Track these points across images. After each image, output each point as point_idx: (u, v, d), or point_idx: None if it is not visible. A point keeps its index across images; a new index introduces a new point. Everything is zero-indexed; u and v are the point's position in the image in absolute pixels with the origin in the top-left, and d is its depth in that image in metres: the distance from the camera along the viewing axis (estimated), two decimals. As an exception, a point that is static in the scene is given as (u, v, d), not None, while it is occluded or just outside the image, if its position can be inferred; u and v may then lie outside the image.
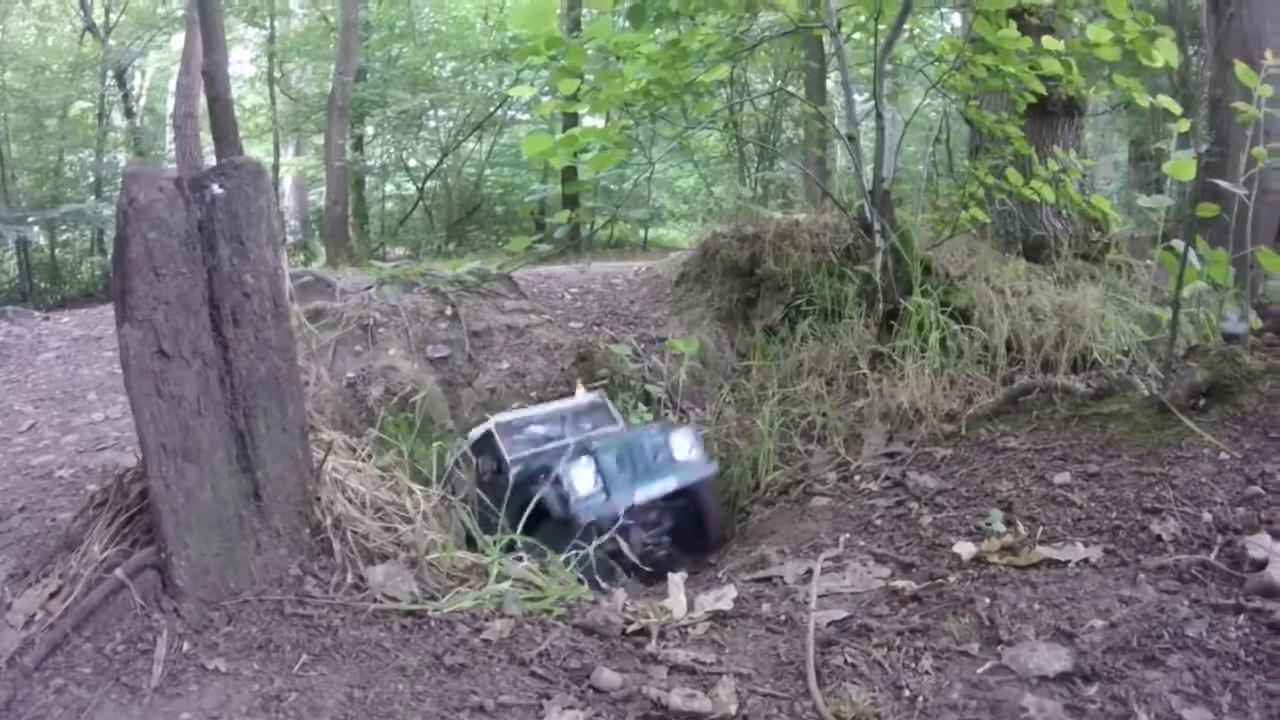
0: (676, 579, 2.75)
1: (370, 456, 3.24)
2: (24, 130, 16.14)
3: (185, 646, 2.25)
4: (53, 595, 2.47)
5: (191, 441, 2.46)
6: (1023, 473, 3.55)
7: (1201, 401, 3.66)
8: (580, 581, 3.00)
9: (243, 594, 2.44)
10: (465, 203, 18.70)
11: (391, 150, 19.95)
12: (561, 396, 5.37)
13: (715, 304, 6.23)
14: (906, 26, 5.47)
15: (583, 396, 5.03)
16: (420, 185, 19.18)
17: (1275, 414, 3.45)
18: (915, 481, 3.71)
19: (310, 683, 2.13)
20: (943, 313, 4.82)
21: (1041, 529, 3.02)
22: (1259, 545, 2.66)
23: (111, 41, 16.84)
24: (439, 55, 19.64)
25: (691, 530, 4.34)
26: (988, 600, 2.53)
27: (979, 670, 2.18)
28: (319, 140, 19.20)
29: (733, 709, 2.00)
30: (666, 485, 4.09)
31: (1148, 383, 3.96)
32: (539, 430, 4.60)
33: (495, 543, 2.87)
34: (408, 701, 2.07)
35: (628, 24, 5.05)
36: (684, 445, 4.29)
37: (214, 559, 2.47)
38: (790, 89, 9.67)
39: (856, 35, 6.08)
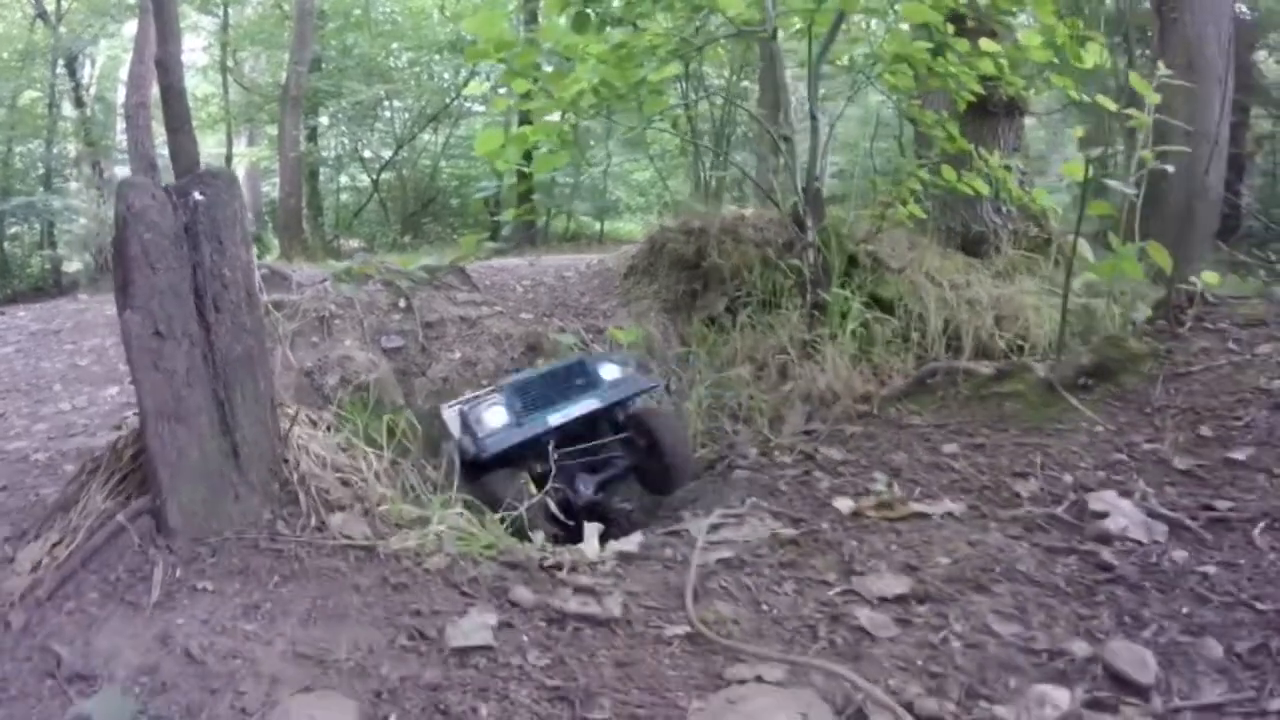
0: (592, 527, 3.36)
1: (330, 429, 3.85)
2: (-29, 121, 16.47)
3: (178, 573, 2.83)
4: (54, 545, 3.02)
5: (182, 408, 3.06)
6: (919, 445, 4.17)
7: (1088, 381, 4.28)
8: (511, 533, 3.61)
9: (224, 534, 3.04)
10: (420, 195, 19.28)
11: (346, 141, 20.47)
12: None
13: (662, 296, 6.83)
14: (845, 29, 6.06)
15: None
16: (375, 177, 19.76)
17: (1152, 393, 4.08)
18: (824, 455, 4.32)
19: (281, 596, 2.73)
20: (868, 303, 5.44)
21: (919, 489, 3.63)
22: (1101, 499, 3.26)
23: (62, 29, 17.18)
24: (394, 46, 20.18)
25: (652, 465, 4.87)
26: (854, 544, 3.14)
27: (830, 593, 2.79)
28: (272, 130, 19.72)
29: (617, 613, 2.64)
30: (586, 405, 4.61)
31: (1048, 365, 4.57)
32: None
33: (437, 499, 3.49)
34: (360, 608, 2.68)
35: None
36: (612, 369, 4.84)
37: (200, 505, 3.07)
38: (746, 83, 10.27)
39: (797, 44, 6.64)
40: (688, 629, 2.54)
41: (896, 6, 6.98)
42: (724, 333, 6.22)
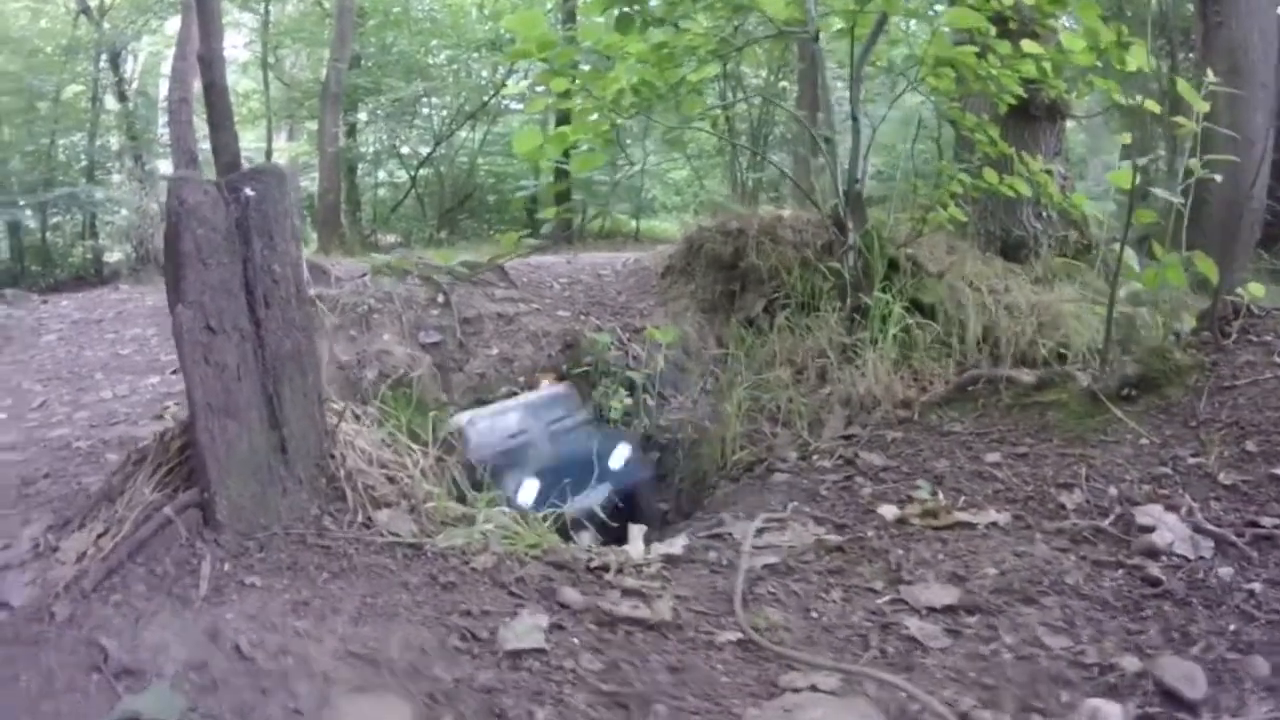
0: (636, 529, 3.35)
1: (375, 424, 3.85)
2: (16, 114, 16.56)
3: (226, 567, 2.83)
4: (99, 536, 3.02)
5: (232, 402, 3.07)
6: (960, 452, 4.13)
7: (1131, 392, 4.22)
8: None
9: (272, 528, 3.04)
10: (458, 191, 19.26)
11: (384, 137, 20.51)
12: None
13: (699, 296, 6.79)
14: (887, 29, 6.01)
15: (547, 389, 5.64)
16: (413, 173, 19.76)
17: (1196, 406, 4.01)
18: (865, 460, 4.29)
19: (331, 593, 2.72)
20: (909, 308, 5.39)
21: (963, 498, 3.60)
22: (1148, 514, 3.22)
23: (106, 24, 17.34)
24: (433, 43, 20.20)
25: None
26: (900, 552, 3.11)
27: (879, 601, 2.77)
28: (312, 126, 19.75)
29: (668, 617, 2.62)
30: (599, 494, 4.77)
31: (1091, 374, 4.52)
32: (510, 421, 5.31)
33: (483, 497, 3.51)
34: (409, 606, 2.66)
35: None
36: (622, 451, 5.04)
37: (249, 499, 3.07)
38: (785, 83, 10.24)
39: (838, 44, 6.58)
40: (739, 635, 2.52)
41: (938, 7, 6.93)
42: (761, 334, 6.18)
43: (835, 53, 7.15)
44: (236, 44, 21.03)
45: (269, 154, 20.74)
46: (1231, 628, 2.49)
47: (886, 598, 2.79)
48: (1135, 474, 3.62)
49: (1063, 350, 5.66)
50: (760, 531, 3.43)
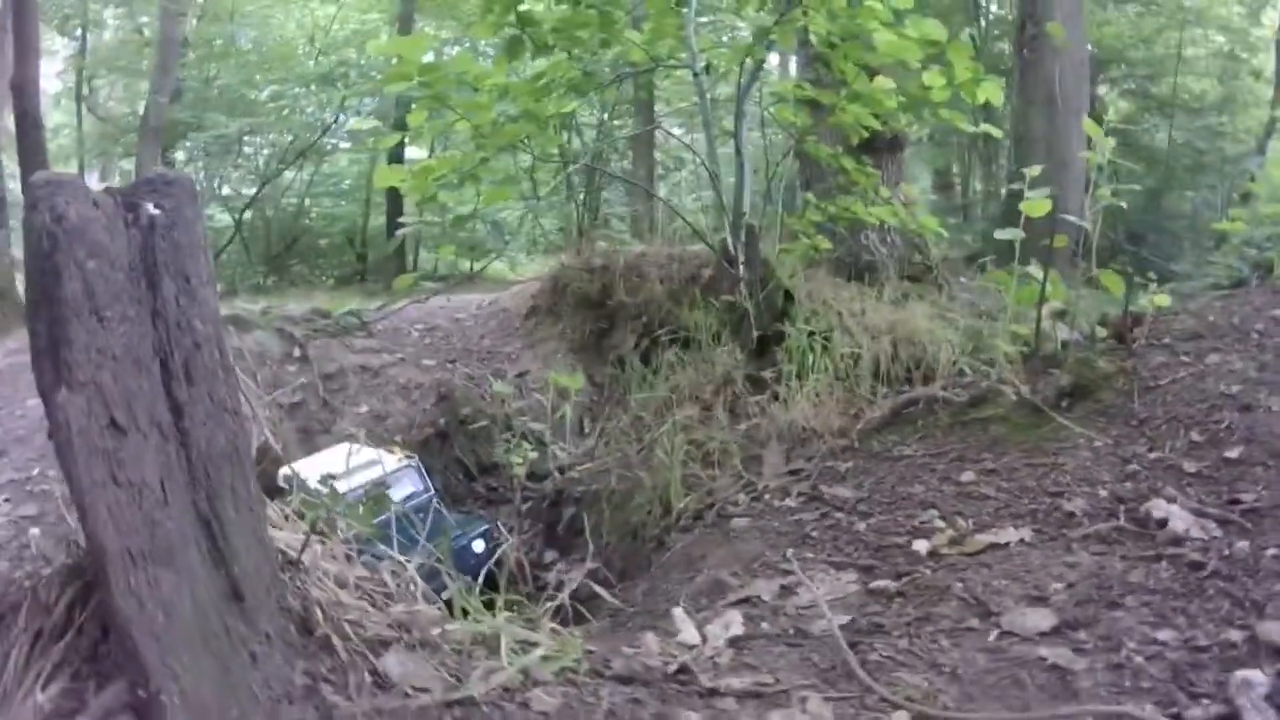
0: (680, 613, 2.92)
1: (291, 520, 2.97)
2: None
3: None
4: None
5: (161, 539, 2.03)
6: (928, 475, 4.04)
7: (1067, 401, 4.37)
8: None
9: None
10: (284, 235, 17.86)
11: (206, 178, 18.78)
12: (426, 440, 5.45)
13: (568, 336, 6.50)
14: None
15: (399, 461, 5.00)
16: (238, 216, 18.22)
17: (1131, 407, 4.21)
18: (830, 494, 4.12)
19: None
20: (813, 336, 5.35)
21: (971, 521, 3.50)
22: (1158, 507, 3.31)
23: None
24: (259, 77, 18.86)
25: None
26: (959, 584, 2.95)
27: (989, 639, 2.59)
28: (127, 165, 17.76)
29: (829, 716, 2.20)
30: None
31: (1012, 388, 4.63)
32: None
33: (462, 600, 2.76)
34: None
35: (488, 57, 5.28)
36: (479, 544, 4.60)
37: (210, 686, 2.04)
38: (617, 121, 10.22)
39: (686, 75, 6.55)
40: (907, 715, 2.19)
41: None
42: (642, 374, 5.96)
43: (662, 90, 7.12)
44: (48, 73, 18.70)
45: (80, 195, 18.55)
46: (1278, 588, 2.67)
47: (993, 634, 2.62)
48: (1110, 474, 3.72)
49: (915, 367, 5.80)
50: (789, 589, 3.17)
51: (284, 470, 4.47)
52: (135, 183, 2.23)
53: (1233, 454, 3.62)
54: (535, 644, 2.55)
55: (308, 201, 18.40)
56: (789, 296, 5.57)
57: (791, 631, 2.78)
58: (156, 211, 2.12)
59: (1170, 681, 2.32)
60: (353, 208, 17.76)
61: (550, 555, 4.55)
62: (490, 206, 5.14)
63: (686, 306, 5.86)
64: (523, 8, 5.01)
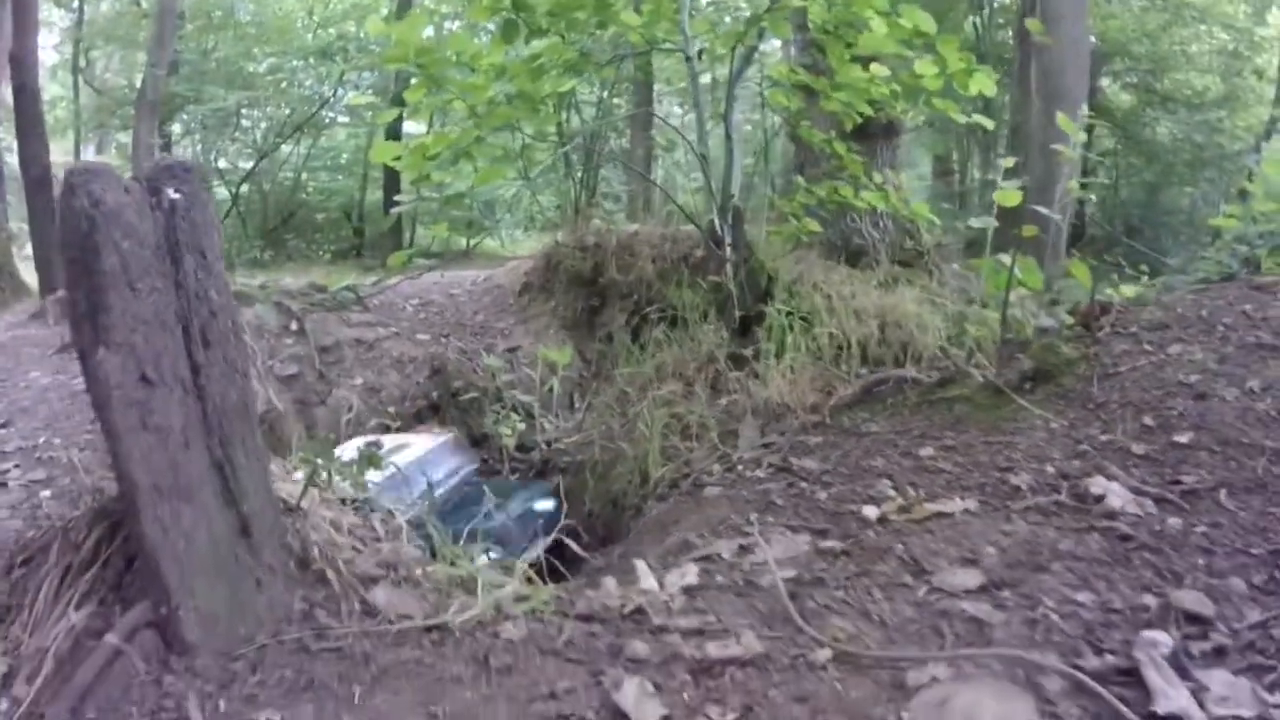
0: (642, 565, 3.22)
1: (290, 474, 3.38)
2: None
3: (221, 704, 2.23)
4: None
5: (183, 478, 2.41)
6: (891, 451, 4.30)
7: (1029, 384, 4.61)
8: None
9: (256, 638, 2.43)
10: (281, 209, 18.01)
11: (203, 151, 18.91)
12: (419, 412, 5.69)
13: (560, 313, 6.73)
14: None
15: (434, 439, 5.18)
16: (234, 190, 18.34)
17: (1090, 391, 4.45)
18: (799, 465, 4.37)
19: (379, 710, 2.23)
20: (791, 316, 5.59)
21: (923, 491, 3.76)
22: (1098, 484, 3.56)
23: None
24: (256, 50, 18.89)
25: None
26: (901, 546, 3.21)
27: (919, 594, 2.84)
28: (124, 138, 17.87)
29: (760, 649, 2.49)
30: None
31: (981, 371, 4.87)
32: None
33: (450, 551, 3.14)
34: (482, 704, 2.27)
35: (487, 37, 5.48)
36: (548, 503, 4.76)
37: (222, 606, 2.43)
38: (617, 100, 10.43)
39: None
40: (831, 651, 2.46)
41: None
42: (631, 350, 6.20)
43: (665, 70, 7.32)
44: (45, 45, 18.78)
45: (75, 169, 18.68)
46: (1201, 562, 2.92)
47: (923, 590, 2.87)
48: (1060, 453, 3.97)
49: (903, 350, 6.04)
50: (747, 549, 3.42)
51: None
52: (156, 169, 2.64)
53: (1182, 439, 3.85)
54: (516, 587, 2.94)
55: (305, 176, 18.42)
56: (772, 278, 5.79)
57: (742, 583, 3.04)
58: (177, 196, 2.54)
59: (1080, 637, 2.55)
60: (350, 182, 17.79)
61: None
62: (485, 185, 5.35)
63: (676, 286, 6.08)
64: (517, -10, 5.16)
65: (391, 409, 5.71)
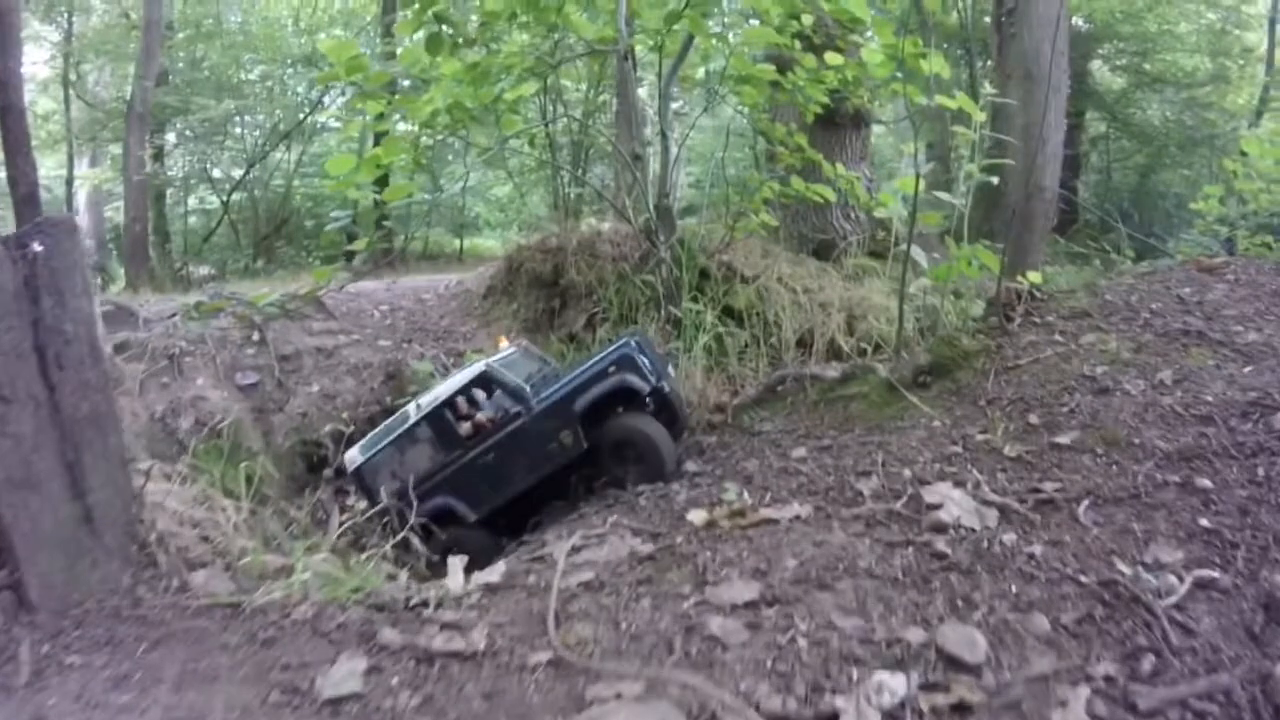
0: (455, 562, 3.47)
1: (185, 481, 3.85)
2: None
3: (45, 649, 2.81)
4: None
5: (32, 474, 3.02)
6: (770, 451, 4.46)
7: (926, 379, 4.64)
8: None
9: (85, 604, 3.02)
10: (273, 217, 18.74)
11: (194, 161, 19.78)
12: (372, 417, 6.00)
13: (521, 315, 6.99)
14: (695, 45, 6.33)
15: (510, 346, 5.71)
16: (225, 199, 19.16)
17: (985, 386, 4.47)
18: (682, 468, 4.54)
19: (150, 663, 2.75)
20: (721, 314, 5.70)
21: (769, 495, 3.91)
22: (935, 492, 3.58)
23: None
24: (246, 58, 19.64)
25: None
26: (708, 554, 3.36)
27: (685, 605, 3.00)
28: (116, 150, 18.82)
29: (482, 646, 2.77)
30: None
31: (889, 366, 4.91)
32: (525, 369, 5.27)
33: (299, 546, 3.54)
34: (230, 668, 2.73)
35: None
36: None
37: (59, 575, 3.03)
38: (604, 97, 10.57)
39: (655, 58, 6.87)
40: (550, 655, 2.70)
41: (753, 21, 7.34)
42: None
43: (655, 65, 7.45)
44: (36, 60, 19.76)
45: (70, 181, 19.68)
46: (1014, 589, 2.82)
47: (692, 601, 3.02)
48: (928, 455, 4.02)
49: (864, 345, 6.10)
50: (577, 549, 3.62)
51: (349, 454, 5.21)
52: (27, 227, 3.30)
53: (1064, 439, 3.81)
54: (335, 576, 3.38)
55: (296, 183, 19.02)
56: (704, 274, 5.90)
57: (541, 585, 3.31)
58: (39, 248, 3.15)
59: (811, 670, 2.52)
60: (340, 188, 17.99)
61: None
62: (395, 200, 5.62)
63: (620, 284, 6.24)
64: (438, 7, 5.36)
65: (346, 414, 6.02)
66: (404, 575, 3.61)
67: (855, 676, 2.45)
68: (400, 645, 2.80)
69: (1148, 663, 2.38)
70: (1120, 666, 2.38)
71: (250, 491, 4.03)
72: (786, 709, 2.34)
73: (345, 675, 2.61)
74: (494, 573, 3.41)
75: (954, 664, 2.46)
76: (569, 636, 2.80)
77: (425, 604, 3.12)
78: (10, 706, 2.56)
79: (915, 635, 2.61)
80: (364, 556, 3.80)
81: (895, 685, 2.34)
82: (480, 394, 5.03)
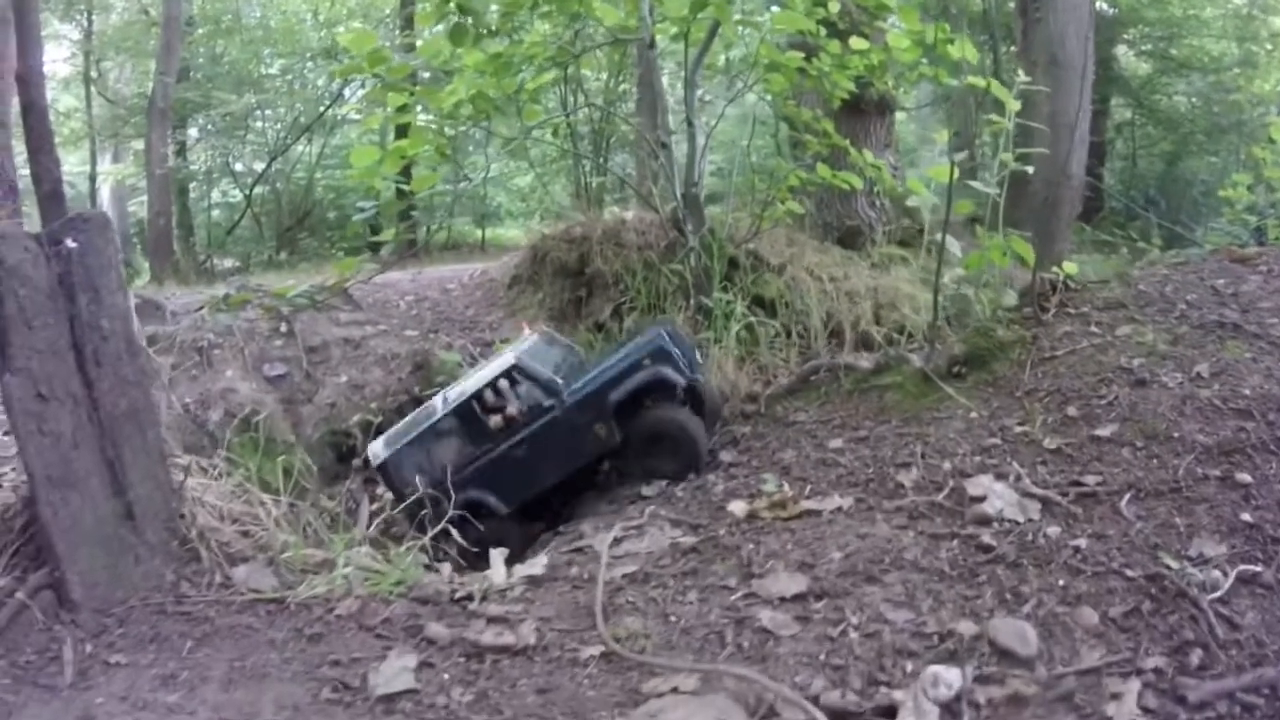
0: (497, 553, 3.47)
1: (221, 475, 3.84)
2: None
3: (89, 648, 2.81)
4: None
5: (71, 472, 3.02)
6: (806, 441, 4.43)
7: (961, 370, 4.59)
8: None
9: (129, 601, 3.03)
10: (296, 209, 18.77)
11: (216, 155, 19.81)
12: (400, 406, 5.98)
13: (547, 304, 6.95)
14: (722, 32, 6.28)
15: (533, 334, 5.56)
16: (248, 192, 19.18)
17: (1021, 378, 4.42)
18: (717, 458, 4.53)
19: (197, 661, 2.75)
20: (751, 304, 5.67)
21: (809, 486, 3.88)
22: (978, 484, 3.54)
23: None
24: (266, 52, 19.67)
25: None
26: (751, 546, 3.36)
27: (733, 597, 3.01)
28: (139, 146, 18.82)
29: (532, 640, 2.77)
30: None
31: (923, 356, 4.87)
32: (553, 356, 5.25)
33: (340, 540, 3.53)
34: (278, 664, 2.73)
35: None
36: None
37: (101, 573, 3.03)
38: (625, 85, 10.55)
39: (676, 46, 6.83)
40: (601, 649, 2.70)
41: (774, 8, 7.28)
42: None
43: (675, 53, 7.41)
44: (56, 58, 19.75)
45: (93, 178, 19.77)
46: (1061, 583, 2.81)
47: (740, 593, 3.02)
48: (967, 447, 3.97)
49: (896, 334, 6.05)
50: (619, 540, 3.61)
51: (372, 448, 5.12)
52: (63, 222, 3.31)
53: (1104, 432, 3.77)
54: (376, 569, 3.36)
55: (318, 175, 19.01)
56: (734, 264, 5.87)
57: (585, 577, 3.31)
58: (74, 245, 3.16)
59: (865, 663, 2.53)
60: (361, 180, 17.97)
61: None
62: (423, 189, 5.58)
63: (647, 273, 6.22)
64: (459, -2, 5.32)
65: (374, 404, 6.01)
66: (447, 568, 3.58)
67: (910, 669, 2.48)
68: (449, 640, 2.81)
69: (1195, 656, 2.40)
70: (1169, 660, 2.41)
71: (288, 485, 4.03)
72: (846, 702, 2.36)
73: (397, 671, 2.62)
74: (536, 565, 3.40)
75: (1006, 657, 2.48)
76: (618, 630, 2.80)
77: (470, 597, 3.12)
78: (56, 706, 2.55)
79: (966, 628, 2.62)
80: (403, 549, 3.76)
81: (950, 678, 2.35)
82: (509, 386, 4.99)
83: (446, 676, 2.63)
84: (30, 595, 2.92)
